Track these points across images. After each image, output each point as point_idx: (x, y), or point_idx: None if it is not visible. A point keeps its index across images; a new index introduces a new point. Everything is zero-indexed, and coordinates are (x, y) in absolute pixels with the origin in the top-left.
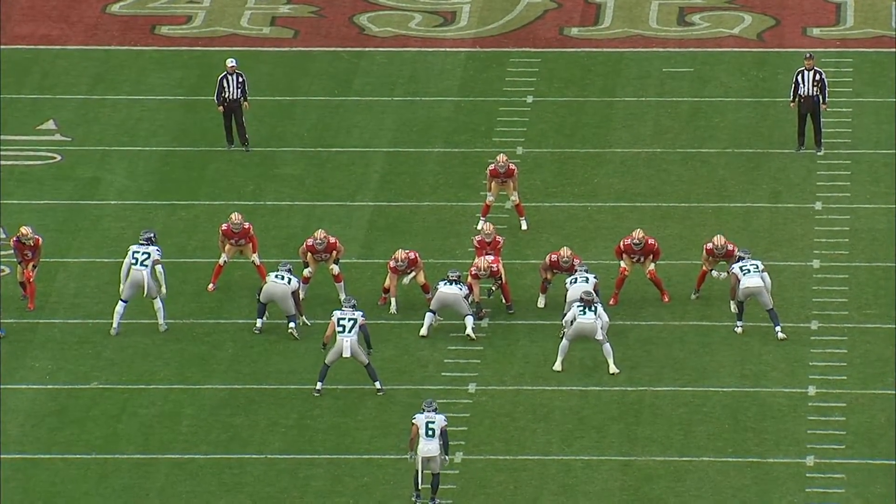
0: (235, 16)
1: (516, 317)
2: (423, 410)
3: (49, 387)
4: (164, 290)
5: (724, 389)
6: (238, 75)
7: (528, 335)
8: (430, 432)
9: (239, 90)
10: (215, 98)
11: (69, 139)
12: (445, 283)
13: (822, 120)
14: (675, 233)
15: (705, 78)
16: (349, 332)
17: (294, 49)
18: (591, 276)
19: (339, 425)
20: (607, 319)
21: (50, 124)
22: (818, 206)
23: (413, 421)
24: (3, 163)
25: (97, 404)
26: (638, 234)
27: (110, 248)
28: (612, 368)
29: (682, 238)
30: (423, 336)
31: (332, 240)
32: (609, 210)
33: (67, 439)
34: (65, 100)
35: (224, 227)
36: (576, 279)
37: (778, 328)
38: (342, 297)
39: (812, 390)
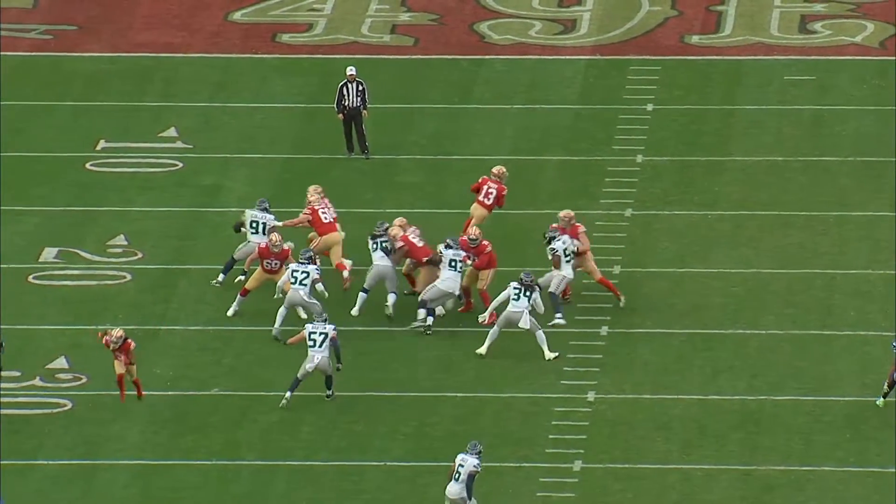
0: (356, 23)
1: (635, 324)
2: (468, 451)
3: (170, 393)
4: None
5: (845, 399)
6: (358, 83)
7: (648, 343)
8: (457, 475)
9: (359, 98)
10: (335, 106)
11: (190, 146)
12: (380, 251)
13: None
14: (797, 241)
15: (827, 86)
16: (320, 346)
17: (414, 57)
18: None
19: (458, 433)
20: (542, 309)
21: (172, 131)
22: None
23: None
24: (125, 169)
25: (217, 411)
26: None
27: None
28: (548, 355)
29: (804, 247)
30: (354, 316)
31: (287, 247)
32: (729, 218)
33: (188, 445)
34: (186, 107)
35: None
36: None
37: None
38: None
39: None
